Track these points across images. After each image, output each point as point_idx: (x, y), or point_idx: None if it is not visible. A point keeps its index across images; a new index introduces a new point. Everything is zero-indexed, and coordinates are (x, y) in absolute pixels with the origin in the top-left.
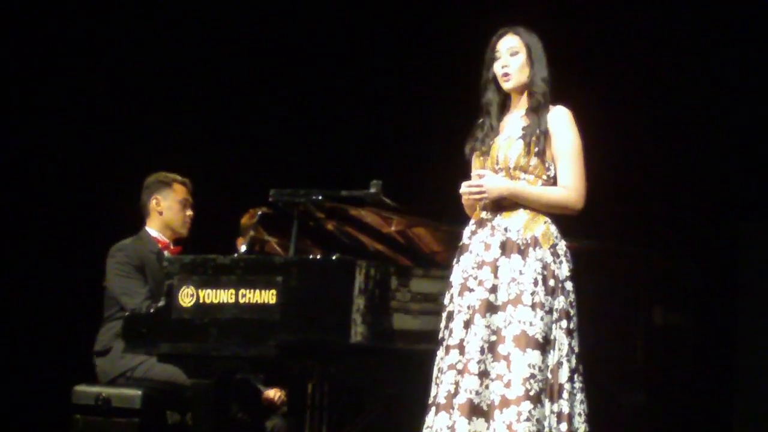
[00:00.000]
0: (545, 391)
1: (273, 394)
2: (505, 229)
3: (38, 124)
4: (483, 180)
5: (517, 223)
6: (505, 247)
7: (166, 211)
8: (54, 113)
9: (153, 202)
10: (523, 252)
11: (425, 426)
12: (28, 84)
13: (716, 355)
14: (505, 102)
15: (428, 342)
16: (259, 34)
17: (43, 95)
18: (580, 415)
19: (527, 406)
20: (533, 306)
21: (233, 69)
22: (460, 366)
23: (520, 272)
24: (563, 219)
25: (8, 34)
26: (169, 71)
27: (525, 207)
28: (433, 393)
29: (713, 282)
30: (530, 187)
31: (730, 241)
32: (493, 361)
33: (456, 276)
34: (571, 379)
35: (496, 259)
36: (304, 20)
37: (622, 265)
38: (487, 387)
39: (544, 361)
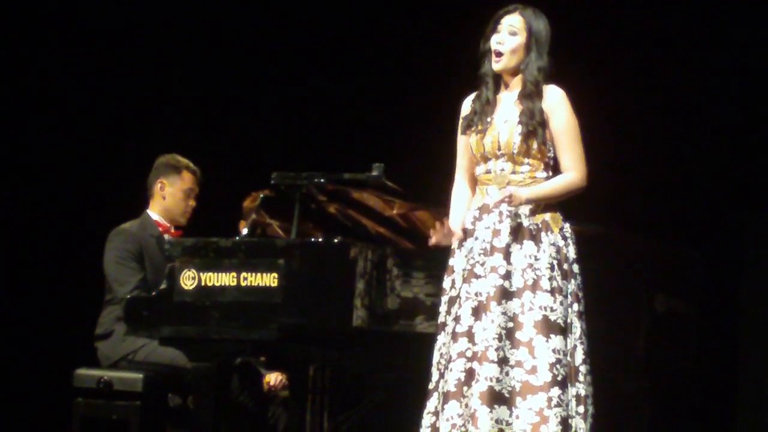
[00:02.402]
0: (569, 375)
1: (274, 377)
2: (515, 215)
3: (42, 105)
4: (509, 194)
5: (525, 208)
6: (517, 233)
7: (168, 197)
8: (58, 94)
9: (158, 185)
10: (535, 237)
11: (426, 411)
12: (33, 66)
13: (719, 343)
14: (499, 76)
15: (429, 326)
16: (261, 17)
17: (47, 75)
18: (588, 397)
19: (556, 391)
20: (552, 291)
21: (235, 51)
22: (469, 354)
23: (536, 258)
24: (566, 202)
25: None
26: (171, 54)
27: None
28: (434, 378)
29: (717, 271)
30: (544, 186)
31: (735, 231)
32: (511, 348)
33: (459, 261)
34: (584, 362)
35: (508, 245)
36: (306, 2)
37: (625, 250)
38: (507, 374)
39: (566, 345)
